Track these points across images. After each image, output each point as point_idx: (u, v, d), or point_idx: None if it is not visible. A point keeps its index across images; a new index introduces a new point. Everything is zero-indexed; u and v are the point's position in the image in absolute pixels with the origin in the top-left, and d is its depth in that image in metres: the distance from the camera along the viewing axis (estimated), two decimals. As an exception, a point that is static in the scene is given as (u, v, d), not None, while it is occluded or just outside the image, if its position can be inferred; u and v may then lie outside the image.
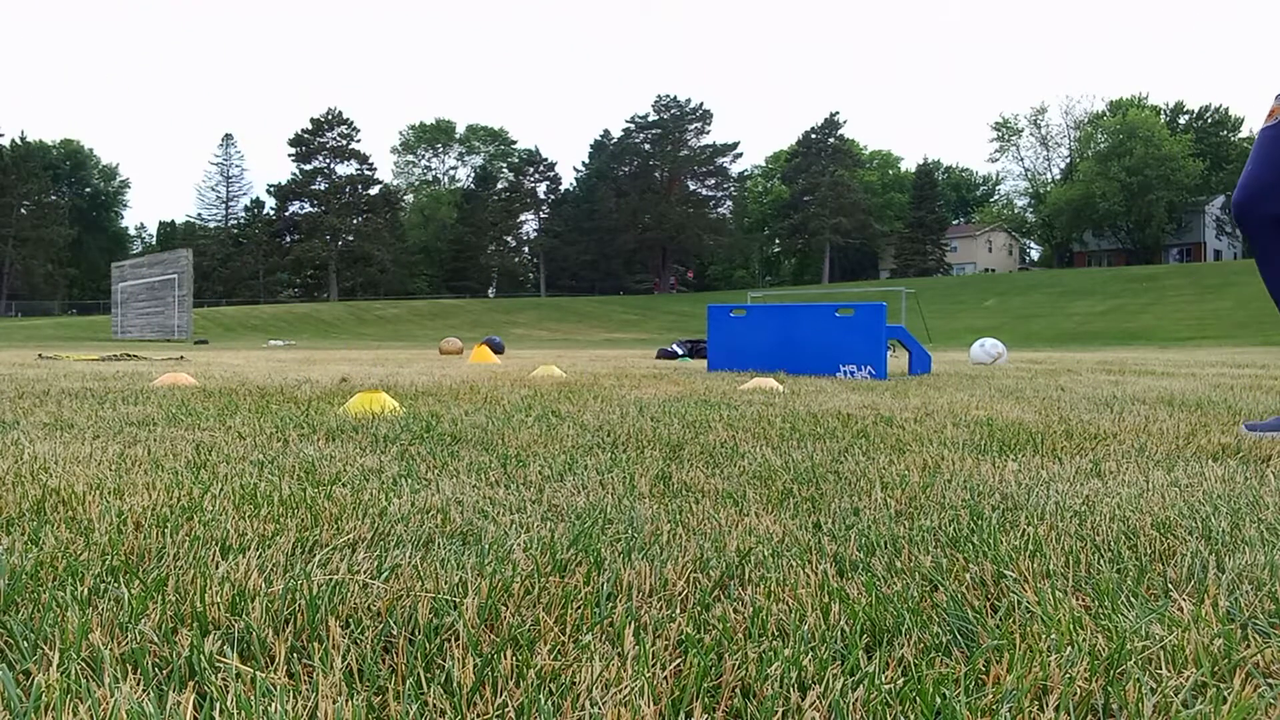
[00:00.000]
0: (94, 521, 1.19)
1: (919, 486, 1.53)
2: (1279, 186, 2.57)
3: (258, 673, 0.69)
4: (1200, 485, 1.57)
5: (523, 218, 79.33)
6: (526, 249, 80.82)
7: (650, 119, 76.05)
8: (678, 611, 0.87)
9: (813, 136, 75.34)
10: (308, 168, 70.48)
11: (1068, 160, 73.48)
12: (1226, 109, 71.56)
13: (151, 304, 28.60)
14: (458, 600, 0.87)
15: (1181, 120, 71.14)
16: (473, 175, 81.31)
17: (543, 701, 0.65)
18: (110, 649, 0.73)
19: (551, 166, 79.78)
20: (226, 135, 69.38)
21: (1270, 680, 0.73)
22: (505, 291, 79.03)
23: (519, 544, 1.10)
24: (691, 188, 76.41)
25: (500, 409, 2.92)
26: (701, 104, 76.70)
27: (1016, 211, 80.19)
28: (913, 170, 79.86)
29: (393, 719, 0.64)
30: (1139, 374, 6.07)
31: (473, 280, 75.72)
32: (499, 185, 79.38)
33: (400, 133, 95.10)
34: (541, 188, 79.91)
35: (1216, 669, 0.74)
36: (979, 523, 1.24)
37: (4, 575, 0.92)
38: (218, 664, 0.72)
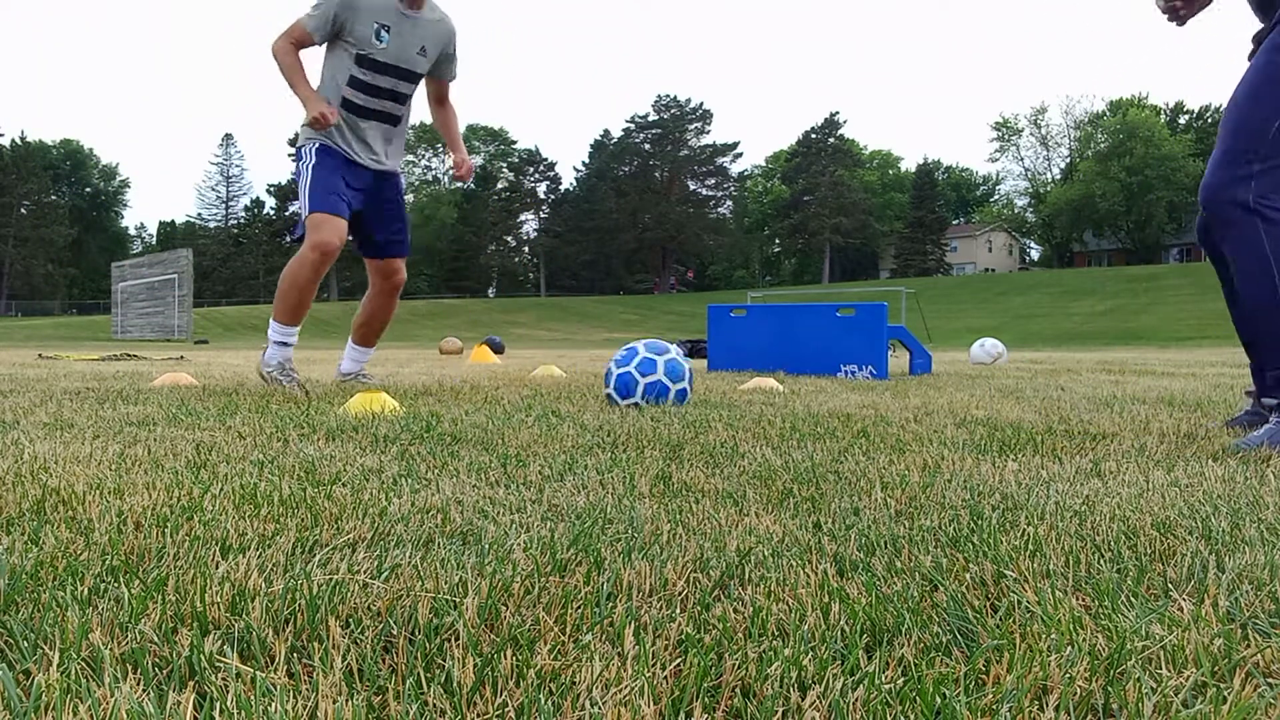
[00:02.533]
0: (94, 521, 1.19)
1: (919, 486, 1.53)
2: None
3: (258, 673, 0.69)
4: (1200, 485, 1.57)
5: (523, 218, 79.34)
6: (526, 249, 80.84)
7: (650, 119, 76.03)
8: (678, 611, 0.87)
9: (813, 136, 75.34)
10: (308, 168, 70.25)
11: (1068, 160, 73.47)
12: (1226, 109, 71.48)
13: (151, 304, 28.59)
14: (458, 600, 0.87)
15: (1181, 120, 71.16)
16: (473, 175, 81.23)
17: (543, 701, 0.65)
18: (110, 649, 0.73)
19: (551, 166, 79.81)
20: (226, 135, 69.46)
21: (1270, 680, 0.73)
22: (505, 291, 79.04)
23: (519, 544, 1.10)
24: (691, 188, 76.41)
25: (500, 409, 2.92)
26: (701, 104, 76.74)
27: (1016, 211, 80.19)
28: (913, 170, 79.88)
29: (393, 719, 0.64)
30: (1139, 374, 6.07)
31: (473, 280, 75.74)
32: (499, 185, 79.37)
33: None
34: (541, 188, 79.94)
35: (1216, 669, 0.74)
36: (979, 523, 1.24)
37: (4, 575, 0.92)
38: (218, 664, 0.72)
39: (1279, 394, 2.21)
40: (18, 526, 1.18)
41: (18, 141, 68.80)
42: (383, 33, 3.64)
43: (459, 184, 4.33)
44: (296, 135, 3.93)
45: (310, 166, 3.72)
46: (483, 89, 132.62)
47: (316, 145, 3.75)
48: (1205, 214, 2.30)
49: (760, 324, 6.06)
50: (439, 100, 4.16)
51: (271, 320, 3.85)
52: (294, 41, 3.63)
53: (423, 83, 3.97)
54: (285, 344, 3.84)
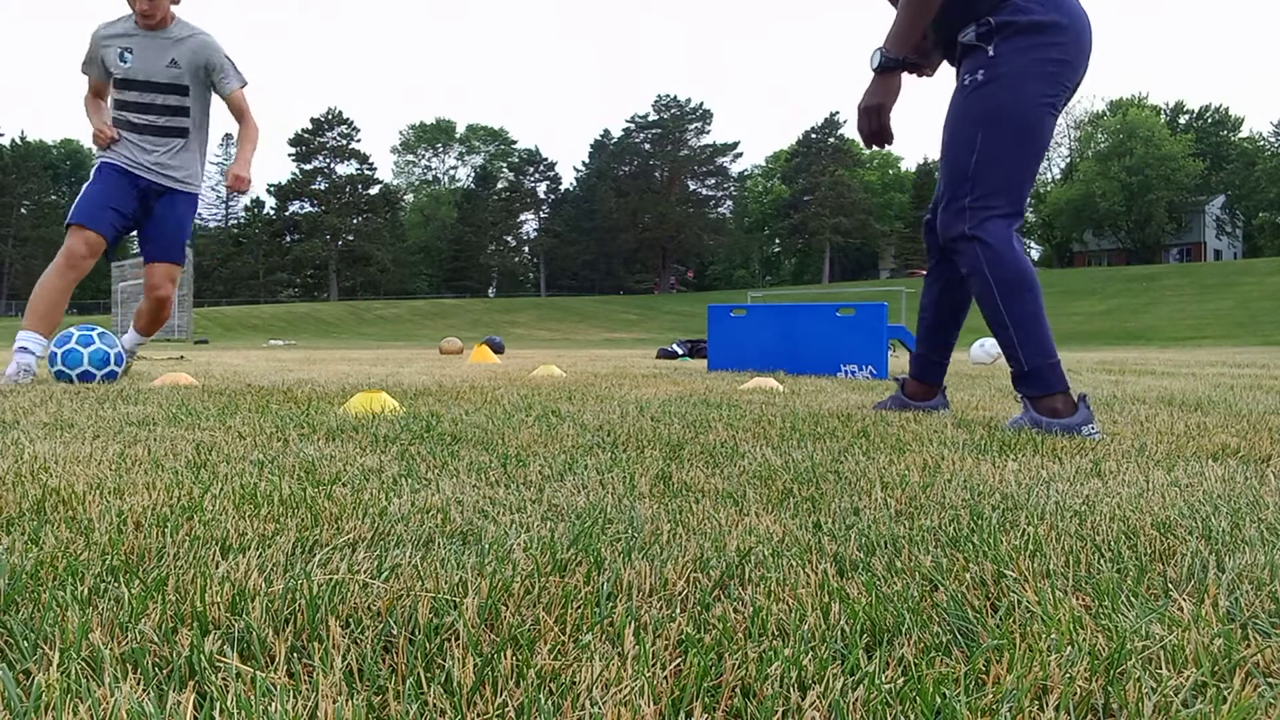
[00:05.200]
0: (94, 521, 1.19)
1: (919, 486, 1.53)
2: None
3: (258, 673, 0.69)
4: (1200, 485, 1.57)
5: (523, 218, 79.36)
6: (526, 249, 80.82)
7: (650, 119, 76.05)
8: (678, 611, 0.87)
9: (813, 136, 75.37)
10: (308, 167, 70.58)
11: (1068, 160, 73.43)
12: (1226, 109, 71.66)
13: (151, 304, 28.54)
14: (458, 600, 0.87)
15: (1181, 120, 71.18)
16: (473, 175, 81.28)
17: (543, 701, 0.65)
18: (110, 649, 0.73)
19: (551, 166, 79.83)
20: (226, 135, 69.33)
21: (1270, 680, 0.73)
22: (505, 291, 79.02)
23: (519, 544, 1.10)
24: (691, 187, 76.44)
25: (500, 409, 2.92)
26: (701, 104, 76.79)
27: (1016, 211, 79.88)
28: (913, 170, 79.83)
29: (393, 719, 0.64)
30: (1139, 374, 6.07)
31: (473, 280, 75.74)
32: (499, 185, 79.37)
33: (400, 132, 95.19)
34: (541, 188, 79.96)
35: (1216, 669, 0.74)
36: (979, 523, 1.24)
37: (4, 575, 0.92)
38: (218, 664, 0.72)
39: (1022, 387, 2.50)
40: (18, 526, 1.18)
41: (18, 141, 68.82)
42: (126, 54, 4.19)
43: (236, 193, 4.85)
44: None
45: (89, 182, 4.30)
46: (483, 89, 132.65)
47: (99, 163, 4.32)
48: (949, 249, 2.61)
49: (760, 324, 6.06)
50: (237, 116, 4.46)
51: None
52: (91, 91, 4.32)
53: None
54: (25, 349, 4.04)
